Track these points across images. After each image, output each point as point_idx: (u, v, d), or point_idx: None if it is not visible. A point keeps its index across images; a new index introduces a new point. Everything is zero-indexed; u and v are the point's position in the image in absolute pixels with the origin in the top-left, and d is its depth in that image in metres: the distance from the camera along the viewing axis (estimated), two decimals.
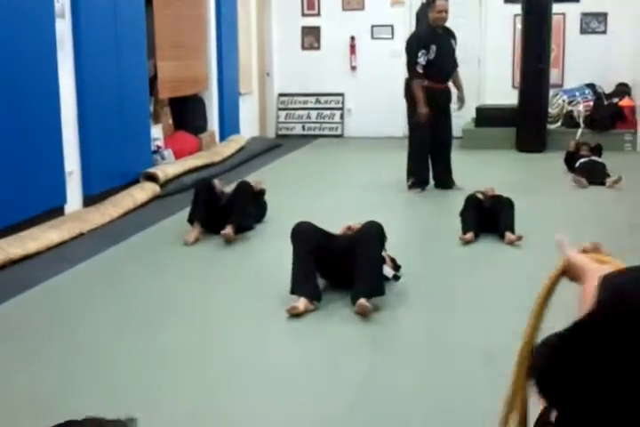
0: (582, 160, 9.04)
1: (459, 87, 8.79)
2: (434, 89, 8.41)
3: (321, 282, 5.06)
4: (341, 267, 4.94)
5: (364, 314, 4.56)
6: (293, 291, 4.80)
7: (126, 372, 4.01)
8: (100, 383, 3.86)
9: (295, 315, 4.60)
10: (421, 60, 8.33)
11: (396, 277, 5.02)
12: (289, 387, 3.83)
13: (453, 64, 8.63)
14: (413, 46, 8.44)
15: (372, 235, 4.91)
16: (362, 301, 4.57)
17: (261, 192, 7.30)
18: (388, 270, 5.00)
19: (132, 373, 4.00)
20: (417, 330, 4.59)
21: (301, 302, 4.67)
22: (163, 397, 3.72)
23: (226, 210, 6.55)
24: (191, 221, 6.58)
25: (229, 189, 7.00)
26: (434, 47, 8.34)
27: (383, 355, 4.21)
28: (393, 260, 5.28)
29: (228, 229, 6.29)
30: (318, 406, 3.60)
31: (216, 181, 7.33)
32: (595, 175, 8.65)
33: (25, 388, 3.80)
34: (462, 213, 6.91)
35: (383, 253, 5.11)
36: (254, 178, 7.86)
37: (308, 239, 4.96)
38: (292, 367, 4.05)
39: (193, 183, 7.64)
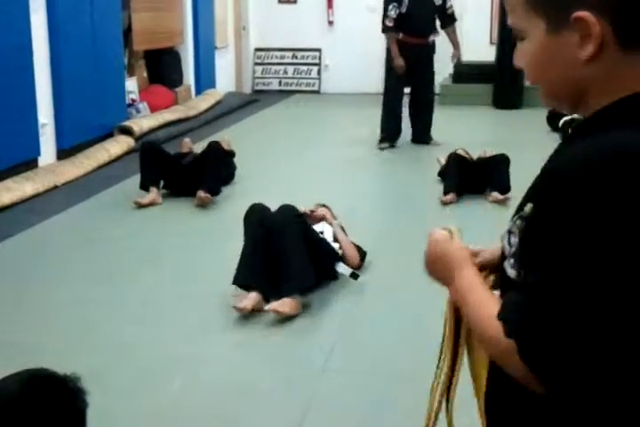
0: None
1: (454, 44, 8.65)
2: (409, 43, 8.29)
3: None
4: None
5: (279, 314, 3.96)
6: (238, 281, 4.14)
7: (94, 324, 4.01)
8: (70, 334, 3.86)
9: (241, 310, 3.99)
10: (392, 13, 8.23)
11: (355, 276, 4.44)
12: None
13: (431, 18, 8.47)
14: None
15: (289, 228, 4.24)
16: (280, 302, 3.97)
17: (231, 153, 7.14)
18: (343, 268, 4.45)
19: (100, 324, 4.00)
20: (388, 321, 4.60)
21: (250, 299, 4.02)
22: (132, 348, 3.74)
23: (193, 170, 6.29)
24: (145, 187, 6.23)
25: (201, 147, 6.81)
26: (406, 0, 8.23)
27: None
28: (358, 247, 4.75)
29: (203, 193, 6.04)
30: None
31: (186, 140, 7.10)
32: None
33: (7, 344, 3.80)
34: (443, 173, 6.62)
35: (343, 237, 4.68)
36: (224, 137, 7.71)
37: (259, 225, 4.31)
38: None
39: (164, 139, 7.45)
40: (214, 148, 6.53)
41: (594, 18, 1.06)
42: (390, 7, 8.23)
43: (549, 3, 1.11)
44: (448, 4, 8.51)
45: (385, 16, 8.29)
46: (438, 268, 1.35)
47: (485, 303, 1.17)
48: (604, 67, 1.09)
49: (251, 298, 4.03)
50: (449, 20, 8.57)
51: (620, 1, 1.07)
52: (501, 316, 1.09)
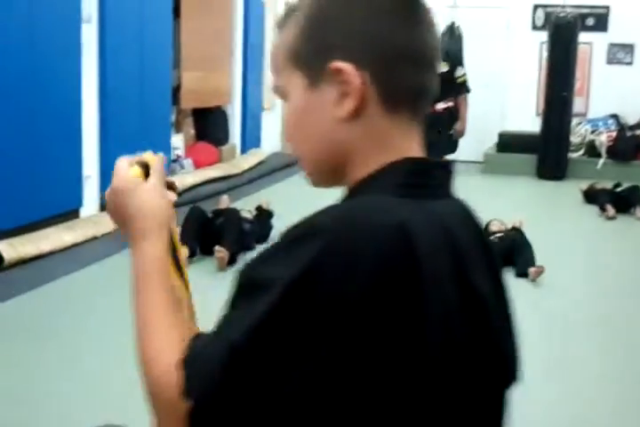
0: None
1: (460, 117, 8.44)
2: None
3: None
4: None
5: None
6: None
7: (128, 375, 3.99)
8: (104, 384, 3.85)
9: None
10: None
11: None
12: None
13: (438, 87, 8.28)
14: None
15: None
16: None
17: (269, 214, 7.19)
18: None
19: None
20: None
21: None
22: None
23: (219, 233, 6.28)
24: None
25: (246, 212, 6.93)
26: None
27: None
28: None
29: (222, 252, 5.97)
30: None
31: (224, 197, 7.12)
32: None
33: (36, 387, 3.79)
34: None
35: None
36: (264, 198, 7.78)
37: None
38: None
39: (205, 196, 7.48)
40: (231, 213, 6.63)
41: (354, 69, 0.92)
42: None
43: (307, 51, 0.97)
44: (457, 73, 8.44)
45: None
46: (119, 220, 1.12)
47: (162, 320, 1.01)
48: (365, 127, 0.95)
49: None
50: (458, 90, 8.42)
51: (381, 54, 0.93)
52: (186, 362, 0.94)
